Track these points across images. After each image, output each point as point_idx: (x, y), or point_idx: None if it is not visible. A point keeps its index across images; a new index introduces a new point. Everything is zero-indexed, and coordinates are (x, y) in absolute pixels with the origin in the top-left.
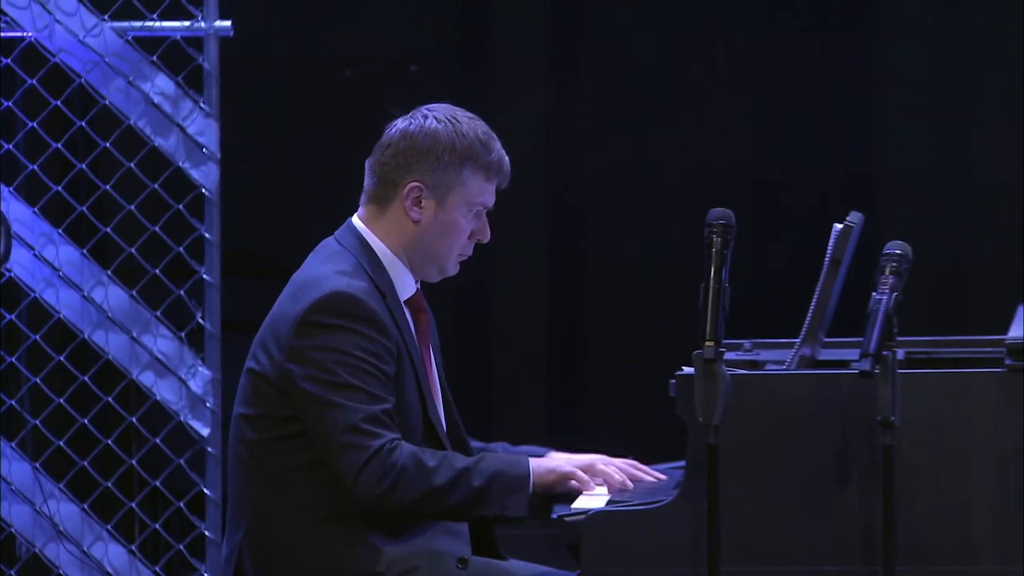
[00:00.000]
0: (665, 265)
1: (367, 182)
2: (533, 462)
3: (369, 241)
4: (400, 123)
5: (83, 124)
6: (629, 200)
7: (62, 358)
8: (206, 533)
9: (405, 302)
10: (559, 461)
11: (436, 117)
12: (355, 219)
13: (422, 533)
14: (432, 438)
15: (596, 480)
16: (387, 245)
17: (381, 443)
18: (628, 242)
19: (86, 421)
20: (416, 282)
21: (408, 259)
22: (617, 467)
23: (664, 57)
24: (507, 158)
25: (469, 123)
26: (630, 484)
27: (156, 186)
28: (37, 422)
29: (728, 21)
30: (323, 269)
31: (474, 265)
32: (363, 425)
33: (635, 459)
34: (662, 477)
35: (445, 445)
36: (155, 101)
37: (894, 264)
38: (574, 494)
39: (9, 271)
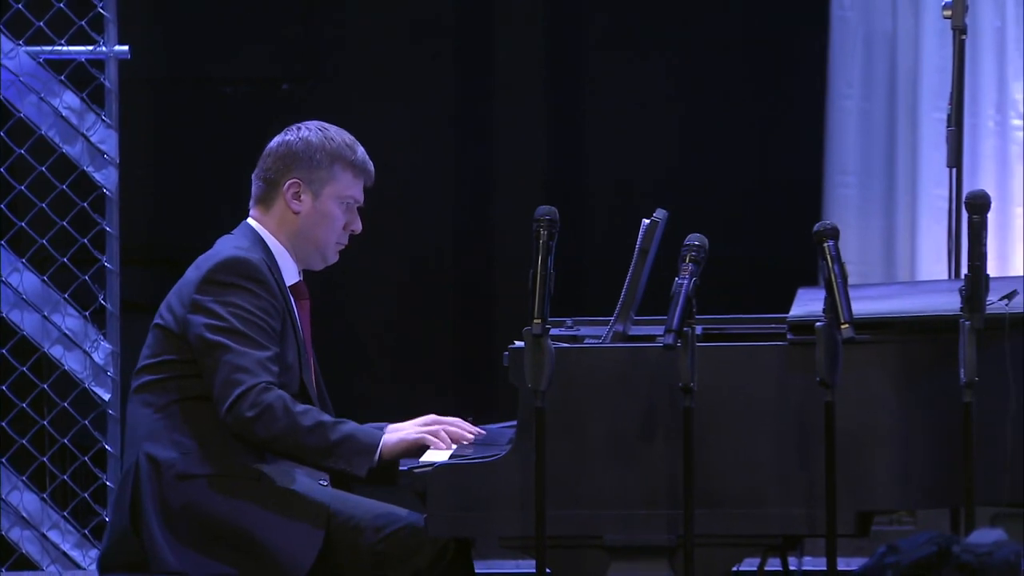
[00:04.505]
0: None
1: (254, 188)
2: (385, 436)
3: (260, 234)
4: (279, 136)
5: (2, 134)
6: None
7: None
8: (107, 483)
9: (289, 287)
10: (409, 429)
11: (308, 128)
12: (249, 219)
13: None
14: (304, 396)
15: (440, 442)
16: (275, 237)
17: (257, 381)
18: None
19: (5, 388)
20: (299, 273)
21: (293, 250)
22: (448, 424)
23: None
24: (371, 162)
25: (336, 131)
26: (469, 438)
27: (64, 187)
28: None
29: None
30: (220, 246)
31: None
32: (245, 364)
33: (467, 417)
34: (481, 432)
35: (314, 405)
36: (63, 114)
37: (693, 253)
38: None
39: None
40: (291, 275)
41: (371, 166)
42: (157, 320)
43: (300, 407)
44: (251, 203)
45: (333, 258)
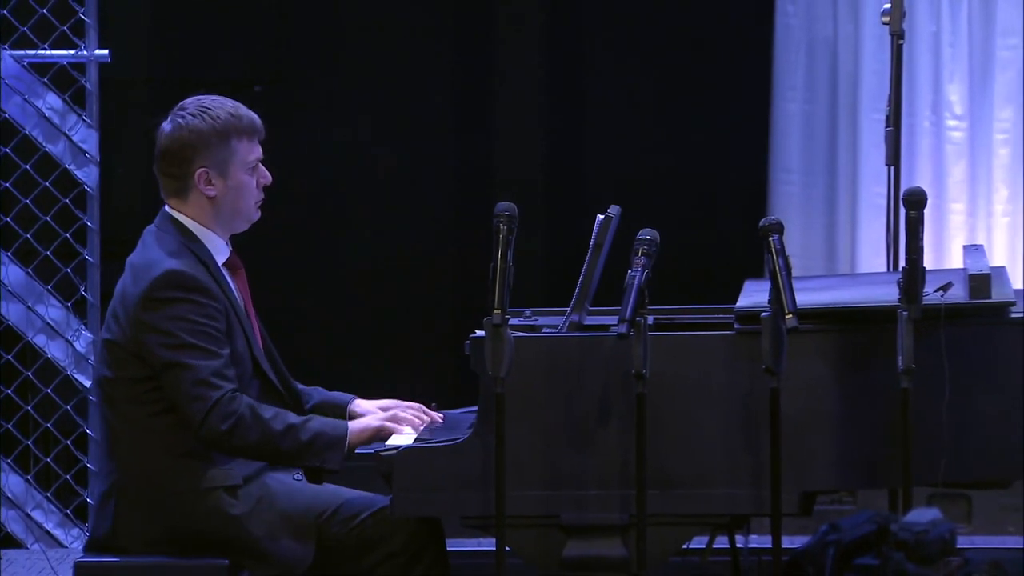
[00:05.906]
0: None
1: (162, 183)
2: (351, 424)
3: (183, 222)
4: (165, 127)
5: None
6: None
7: None
8: (88, 466)
9: (223, 264)
10: (370, 418)
11: (190, 113)
12: (167, 208)
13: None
14: (260, 374)
15: (402, 427)
16: (198, 222)
17: (222, 393)
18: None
19: None
20: (227, 245)
21: (218, 227)
22: (412, 411)
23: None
24: (255, 115)
25: (215, 104)
26: (438, 419)
27: (47, 184)
28: None
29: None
30: (154, 253)
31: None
32: (206, 378)
33: (430, 403)
34: (439, 418)
35: (271, 378)
36: (46, 115)
37: (645, 247)
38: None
39: None
40: (221, 253)
41: (258, 121)
42: (106, 334)
43: (268, 411)
44: (162, 194)
45: (256, 216)
